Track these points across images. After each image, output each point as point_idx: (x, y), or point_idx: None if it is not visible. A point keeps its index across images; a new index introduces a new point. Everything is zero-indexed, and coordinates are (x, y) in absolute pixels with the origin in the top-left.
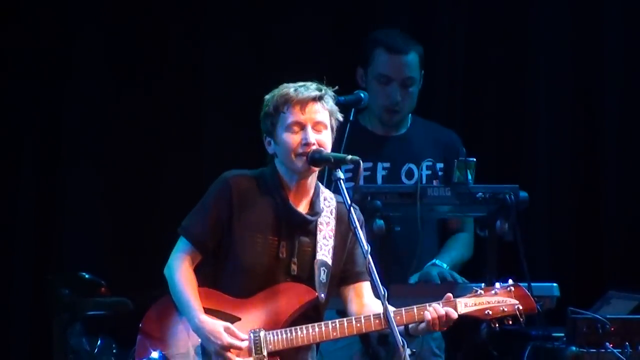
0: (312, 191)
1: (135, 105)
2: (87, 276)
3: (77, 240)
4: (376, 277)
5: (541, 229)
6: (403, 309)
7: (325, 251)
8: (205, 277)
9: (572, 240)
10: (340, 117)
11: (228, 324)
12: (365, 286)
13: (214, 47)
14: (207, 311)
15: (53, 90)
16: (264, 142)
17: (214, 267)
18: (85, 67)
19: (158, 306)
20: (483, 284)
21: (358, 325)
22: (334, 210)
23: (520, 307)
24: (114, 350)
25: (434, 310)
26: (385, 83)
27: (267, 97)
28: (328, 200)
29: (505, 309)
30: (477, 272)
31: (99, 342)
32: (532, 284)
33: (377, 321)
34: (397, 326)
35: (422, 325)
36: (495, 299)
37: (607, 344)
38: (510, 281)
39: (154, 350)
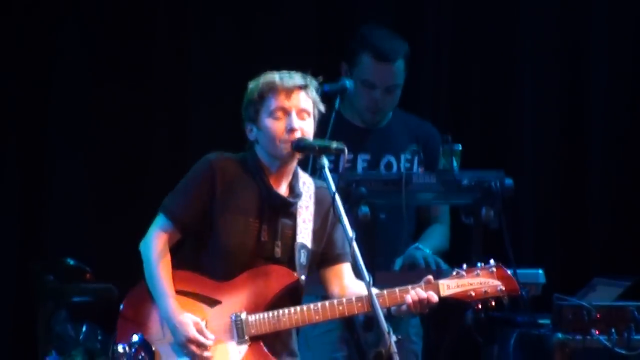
0: (291, 175)
1: (121, 93)
2: (72, 262)
3: (61, 226)
4: (361, 263)
5: (526, 216)
6: (385, 291)
7: (304, 234)
8: (185, 259)
9: (558, 226)
10: (322, 108)
11: (198, 320)
12: (346, 267)
13: (200, 38)
14: (188, 295)
15: (39, 76)
16: (245, 130)
17: (195, 249)
18: (71, 55)
19: (137, 290)
20: (465, 265)
21: (340, 308)
22: (312, 195)
23: (503, 289)
24: (99, 337)
25: (416, 293)
26: (369, 87)
27: (250, 85)
28: (307, 185)
29: (488, 291)
30: (462, 260)
31: (84, 328)
32: (518, 271)
33: (360, 304)
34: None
35: (404, 307)
36: (478, 280)
37: (593, 330)
38: (492, 262)
39: (136, 334)
